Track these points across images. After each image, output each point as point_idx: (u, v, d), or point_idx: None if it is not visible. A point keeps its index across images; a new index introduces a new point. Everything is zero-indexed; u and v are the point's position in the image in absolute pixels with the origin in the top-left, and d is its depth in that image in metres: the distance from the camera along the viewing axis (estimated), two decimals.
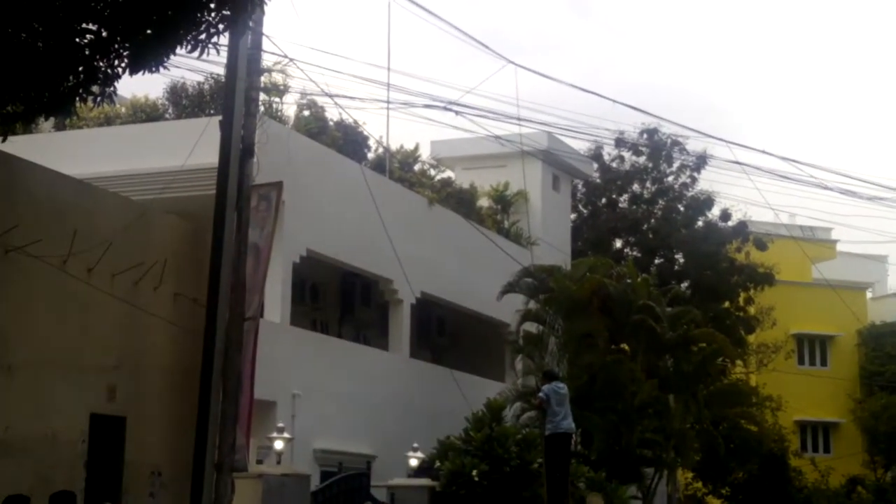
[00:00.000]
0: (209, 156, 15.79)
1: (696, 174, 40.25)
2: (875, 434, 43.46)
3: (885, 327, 46.78)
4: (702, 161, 39.71)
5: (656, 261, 39.46)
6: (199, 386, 15.05)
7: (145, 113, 24.02)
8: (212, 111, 21.87)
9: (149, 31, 10.09)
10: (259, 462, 18.86)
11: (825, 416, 46.05)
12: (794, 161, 24.43)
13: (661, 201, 40.57)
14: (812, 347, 47.65)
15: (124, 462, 14.33)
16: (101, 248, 13.71)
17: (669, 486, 33.70)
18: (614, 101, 22.24)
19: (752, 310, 40.61)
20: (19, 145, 13.41)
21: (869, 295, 49.65)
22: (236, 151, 15.26)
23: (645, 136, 39.53)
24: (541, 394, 16.81)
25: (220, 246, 15.30)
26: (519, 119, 22.59)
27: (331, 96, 19.16)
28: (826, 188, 26.09)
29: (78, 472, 13.39)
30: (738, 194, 77.90)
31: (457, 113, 20.02)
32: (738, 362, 37.99)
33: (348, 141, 25.96)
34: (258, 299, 16.20)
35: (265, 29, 15.60)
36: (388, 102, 23.18)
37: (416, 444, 23.00)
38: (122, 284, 14.20)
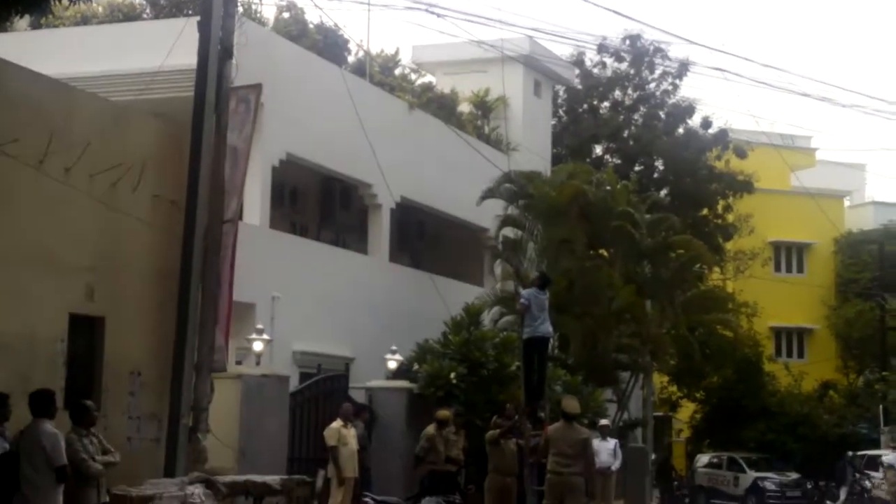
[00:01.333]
0: (187, 57, 15.70)
1: (677, 81, 40.17)
2: (848, 340, 44.04)
3: (862, 235, 47.08)
4: (683, 68, 39.59)
5: (636, 168, 39.50)
6: (179, 287, 15.14)
7: (122, 13, 23.79)
8: (190, 11, 21.66)
9: None
10: (238, 363, 19.01)
11: (800, 323, 46.55)
12: (775, 68, 24.41)
13: (642, 108, 40.52)
14: (789, 255, 47.99)
15: (104, 362, 14.42)
16: (78, 148, 13.65)
17: (645, 390, 34.15)
18: (595, 4, 22.14)
19: (730, 217, 40.83)
20: None
21: (847, 203, 49.89)
22: (215, 53, 15.16)
23: (627, 42, 39.36)
24: (522, 299, 16.94)
25: (198, 148, 15.27)
26: (501, 23, 22.47)
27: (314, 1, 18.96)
28: (806, 95, 26.12)
29: (57, 371, 13.48)
30: (720, 102, 77.88)
31: (438, 16, 19.91)
32: (716, 269, 38.32)
33: (328, 44, 25.81)
34: (237, 202, 16.21)
35: None
36: (368, 4, 23.01)
37: (394, 347, 23.21)
38: (99, 185, 14.16)
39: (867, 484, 30.20)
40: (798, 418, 38.81)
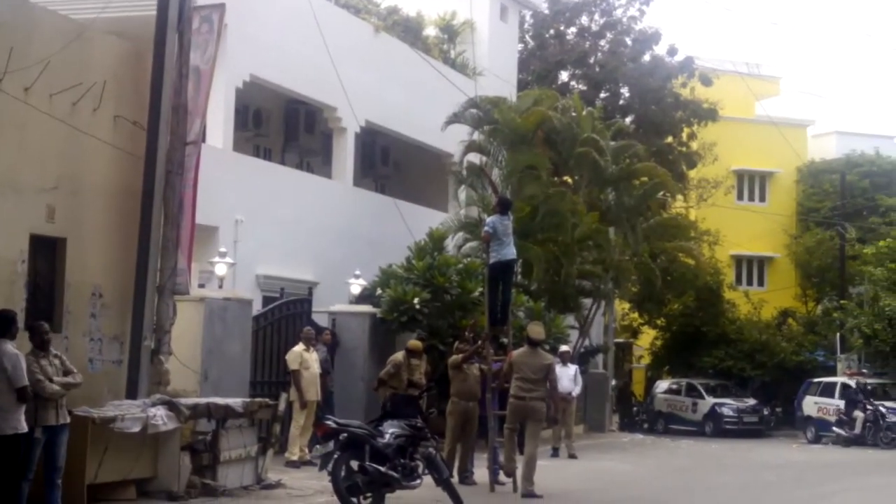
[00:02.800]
0: None
1: (644, 7, 39.97)
2: (808, 268, 44.40)
3: (824, 164, 47.31)
4: None
5: (602, 95, 39.41)
6: (141, 209, 15.03)
7: None
8: None
9: None
10: (201, 286, 18.99)
11: (761, 251, 46.89)
12: None
13: (608, 34, 40.33)
14: (752, 183, 48.18)
15: (65, 283, 14.32)
16: (38, 67, 13.42)
17: (606, 316, 34.46)
18: None
19: (694, 145, 40.92)
20: None
21: (810, 132, 50.06)
22: None
23: None
24: (486, 227, 16.92)
25: (160, 68, 15.10)
26: None
27: None
28: (773, 23, 26.02)
29: (18, 292, 13.37)
30: (686, 29, 77.63)
31: None
32: (679, 197, 38.47)
33: None
34: (200, 123, 16.07)
35: None
36: None
37: (357, 272, 23.22)
38: (60, 105, 13.96)
39: (882, 409, 30.53)
40: (756, 345, 39.27)
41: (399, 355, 18.58)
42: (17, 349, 10.83)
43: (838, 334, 36.46)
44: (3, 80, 13.03)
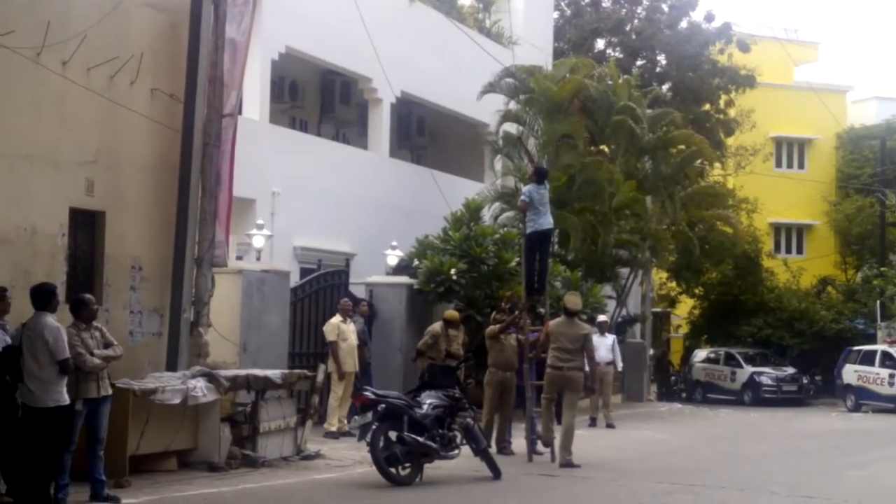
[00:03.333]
0: None
1: None
2: (847, 236, 44.06)
3: (864, 130, 46.80)
4: None
5: (638, 62, 39.09)
6: (178, 182, 15.09)
7: None
8: None
9: None
10: (239, 258, 19.06)
11: (800, 219, 46.55)
12: None
13: (645, 1, 39.99)
14: (790, 150, 47.79)
15: (104, 256, 14.41)
16: (75, 40, 13.48)
17: (644, 285, 34.35)
18: None
19: (732, 112, 40.55)
20: None
21: (849, 98, 49.53)
22: None
23: None
24: (523, 196, 16.86)
25: (196, 40, 15.13)
26: None
27: None
28: None
29: (58, 265, 13.48)
30: None
31: None
32: (717, 165, 38.20)
33: None
34: (236, 95, 16.10)
35: None
36: None
37: (394, 243, 23.23)
38: (97, 78, 14.01)
39: None
40: (795, 314, 39.06)
41: (437, 326, 18.57)
42: (58, 322, 10.91)
43: (878, 302, 36.19)
44: (41, 54, 13.10)
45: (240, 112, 17.44)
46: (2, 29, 12.47)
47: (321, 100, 26.33)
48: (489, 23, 31.30)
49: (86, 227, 14.26)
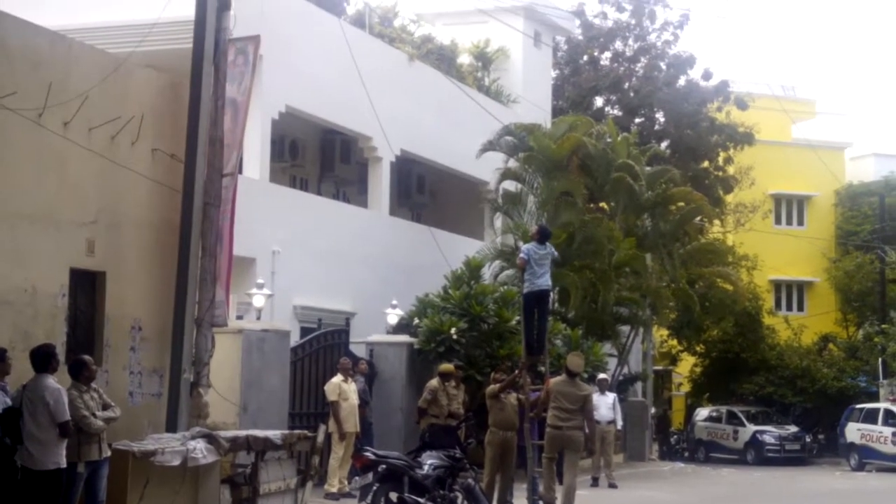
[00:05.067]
0: (185, 8, 15.52)
1: (678, 31, 39.92)
2: (848, 293, 44.02)
3: (862, 187, 46.95)
4: (685, 18, 39.46)
5: (637, 120, 39.33)
6: (179, 242, 15.06)
7: None
8: None
9: None
10: (239, 318, 18.99)
11: (800, 276, 46.54)
12: (775, 20, 24.19)
13: (643, 59, 40.27)
14: (789, 207, 47.89)
15: (105, 316, 14.36)
16: (77, 101, 13.51)
17: (644, 343, 34.25)
18: None
19: (730, 169, 40.73)
20: None
21: (847, 155, 49.71)
22: (213, 4, 15.02)
23: None
24: (522, 254, 16.86)
25: (197, 100, 15.14)
26: None
27: None
28: (808, 46, 25.92)
29: (59, 326, 13.41)
30: (721, 53, 77.39)
31: None
32: (716, 222, 38.28)
33: None
34: (237, 155, 16.11)
35: None
36: None
37: (394, 302, 23.18)
38: (98, 139, 14.04)
39: None
40: (797, 371, 38.94)
41: (434, 381, 18.54)
42: (58, 383, 10.84)
43: (880, 359, 36.08)
44: (43, 115, 13.12)
45: (240, 171, 17.45)
46: (4, 90, 12.50)
47: (321, 158, 26.40)
48: (488, 81, 31.48)
49: (86, 287, 14.21)
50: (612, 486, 22.78)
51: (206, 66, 15.18)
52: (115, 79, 14.30)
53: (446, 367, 18.68)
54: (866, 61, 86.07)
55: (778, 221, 46.91)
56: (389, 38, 27.60)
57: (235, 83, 15.92)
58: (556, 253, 17.26)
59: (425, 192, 30.17)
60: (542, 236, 16.89)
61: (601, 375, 24.41)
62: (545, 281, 16.60)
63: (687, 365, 42.99)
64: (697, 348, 41.14)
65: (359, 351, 21.60)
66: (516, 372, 16.89)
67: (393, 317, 23.08)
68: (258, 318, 19.22)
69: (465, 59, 31.33)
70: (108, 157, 14.16)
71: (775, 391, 38.63)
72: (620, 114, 38.74)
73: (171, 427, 14.43)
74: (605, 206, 30.66)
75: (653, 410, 35.46)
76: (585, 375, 20.91)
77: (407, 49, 27.54)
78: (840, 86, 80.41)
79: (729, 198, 40.82)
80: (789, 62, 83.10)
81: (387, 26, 28.68)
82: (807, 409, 38.83)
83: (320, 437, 16.16)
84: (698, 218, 32.19)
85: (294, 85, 22.43)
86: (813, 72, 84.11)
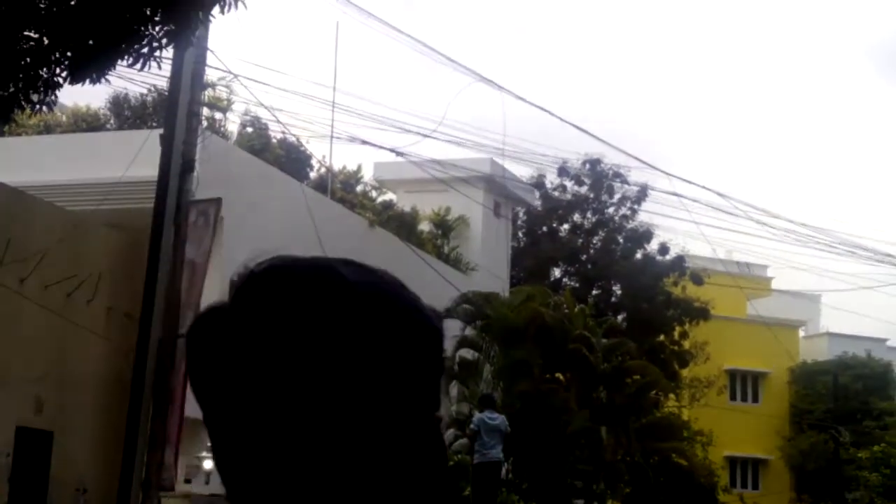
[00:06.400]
0: (149, 168, 15.62)
1: (636, 206, 40.54)
2: (802, 472, 43.84)
3: (816, 366, 47.23)
4: (642, 193, 40.07)
5: (594, 291, 39.60)
6: (129, 403, 14.84)
7: (86, 122, 23.75)
8: (154, 123, 21.68)
9: (91, 42, 9.94)
10: (187, 481, 18.59)
11: (755, 453, 46.37)
12: (730, 198, 24.68)
13: (600, 232, 40.80)
14: (744, 383, 48.02)
15: (49, 477, 14.05)
16: (34, 258, 13.49)
17: None
18: (563, 119, 22.55)
19: (686, 344, 40.89)
20: None
21: (802, 333, 50.14)
22: (176, 166, 15.11)
23: (588, 166, 39.81)
24: (472, 425, 16.74)
25: (155, 261, 15.11)
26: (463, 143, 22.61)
27: (277, 117, 19.04)
28: (762, 223, 26.42)
29: (1, 487, 13.11)
30: (677, 226, 78.55)
31: (399, 154, 19.99)
32: (671, 396, 38.22)
33: (291, 159, 25.89)
34: (192, 316, 15.98)
35: (210, 44, 15.50)
36: (331, 123, 23.17)
37: None
38: (54, 296, 13.97)
39: None
40: None
41: None
42: None
43: None
44: (0, 271, 13.07)
45: None
46: None
47: None
48: (447, 248, 31.72)
49: (33, 446, 13.94)
50: None
51: (167, 227, 15.20)
52: (73, 236, 14.33)
53: None
54: (823, 248, 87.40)
55: (733, 397, 46.98)
56: (351, 204, 27.86)
57: (195, 244, 15.93)
58: (507, 425, 17.14)
59: None
60: (484, 404, 16.82)
61: None
62: (497, 452, 16.45)
63: None
64: None
65: None
66: None
67: None
68: (207, 483, 18.82)
69: (425, 227, 31.61)
70: (63, 314, 14.08)
71: None
72: (578, 285, 39.03)
73: None
74: (561, 377, 30.61)
75: None
76: None
77: (368, 215, 27.78)
78: (795, 265, 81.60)
79: (684, 372, 40.90)
80: (746, 239, 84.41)
81: (349, 191, 29.01)
82: None
83: None
84: (654, 391, 32.15)
85: (254, 247, 22.10)
86: (769, 250, 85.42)
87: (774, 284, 53.65)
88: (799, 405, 46.50)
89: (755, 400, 47.63)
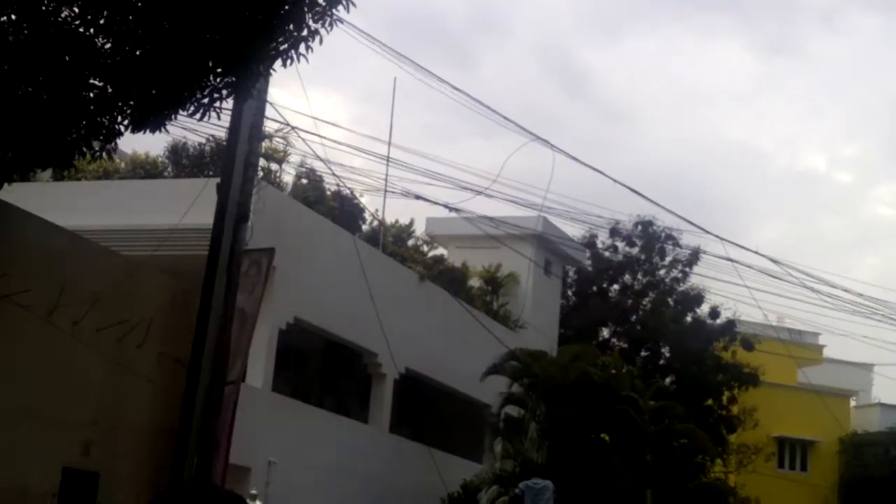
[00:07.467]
0: (204, 216, 15.85)
1: (687, 269, 40.38)
2: None
3: (867, 437, 46.57)
4: (694, 257, 39.91)
5: (642, 353, 39.43)
6: (175, 447, 14.96)
7: (144, 170, 24.09)
8: (211, 172, 21.96)
9: (154, 91, 10.17)
10: None
11: None
12: (783, 264, 24.56)
13: (651, 293, 40.64)
14: (793, 451, 47.42)
15: None
16: (88, 301, 13.68)
17: None
18: (616, 180, 22.55)
19: (735, 409, 40.52)
20: (15, 193, 13.43)
21: (853, 403, 49.53)
22: (231, 215, 15.32)
23: (639, 227, 39.77)
24: (517, 490, 16.71)
25: (207, 308, 15.29)
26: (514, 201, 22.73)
27: (332, 170, 19.25)
28: (815, 291, 26.22)
29: None
30: (728, 290, 77.95)
31: (451, 209, 20.12)
32: (718, 461, 37.82)
33: (344, 211, 26.10)
34: (241, 364, 16.17)
35: (270, 97, 15.75)
36: (385, 177, 23.41)
37: None
38: (106, 340, 14.14)
39: None
40: None
41: None
42: None
43: None
44: (54, 313, 13.25)
45: (243, 379, 17.47)
46: (18, 286, 12.67)
47: (324, 370, 26.42)
48: (496, 305, 31.73)
49: (78, 488, 14.07)
50: None
51: (220, 275, 15.39)
52: (127, 281, 14.53)
53: None
54: (875, 317, 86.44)
55: (781, 465, 46.37)
56: (402, 257, 27.99)
57: (246, 293, 16.10)
58: (553, 491, 17.09)
59: (427, 411, 30.02)
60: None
61: None
62: None
63: None
64: None
65: None
66: None
67: None
68: None
69: (475, 282, 31.65)
70: (114, 358, 14.25)
71: None
72: (626, 346, 38.87)
73: None
74: (606, 438, 30.42)
75: None
76: None
77: (418, 269, 27.89)
78: (849, 333, 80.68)
79: (732, 437, 40.48)
80: (799, 306, 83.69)
81: (400, 245, 29.15)
82: None
83: None
84: (700, 456, 31.86)
85: (304, 297, 22.61)
86: (822, 317, 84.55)
87: (826, 353, 53.08)
88: (848, 476, 45.82)
89: (804, 468, 47.00)
